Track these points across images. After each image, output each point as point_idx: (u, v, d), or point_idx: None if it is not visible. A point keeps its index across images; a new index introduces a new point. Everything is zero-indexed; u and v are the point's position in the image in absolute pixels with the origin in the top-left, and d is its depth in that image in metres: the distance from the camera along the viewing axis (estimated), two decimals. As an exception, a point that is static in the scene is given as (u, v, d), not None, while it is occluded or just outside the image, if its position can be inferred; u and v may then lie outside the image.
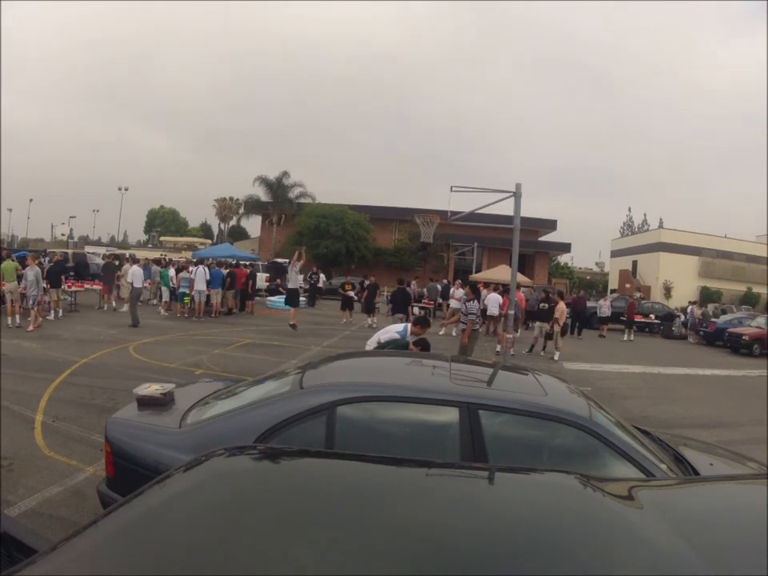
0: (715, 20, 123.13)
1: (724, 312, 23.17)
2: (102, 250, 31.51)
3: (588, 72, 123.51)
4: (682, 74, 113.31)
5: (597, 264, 62.95)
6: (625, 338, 17.56)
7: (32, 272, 10.42)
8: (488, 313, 15.43)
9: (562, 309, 12.60)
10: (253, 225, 48.21)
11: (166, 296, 14.78)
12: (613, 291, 27.89)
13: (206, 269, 14.29)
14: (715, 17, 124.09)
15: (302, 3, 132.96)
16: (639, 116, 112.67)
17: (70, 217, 60.01)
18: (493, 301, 15.24)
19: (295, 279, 12.67)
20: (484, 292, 17.42)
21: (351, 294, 16.17)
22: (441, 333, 13.99)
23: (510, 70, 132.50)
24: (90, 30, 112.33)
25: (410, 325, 5.78)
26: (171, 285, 14.60)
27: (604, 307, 18.67)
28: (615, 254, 48.18)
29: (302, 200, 33.51)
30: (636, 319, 21.13)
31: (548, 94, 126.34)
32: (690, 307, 22.76)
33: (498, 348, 12.24)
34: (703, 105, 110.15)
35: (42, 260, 12.81)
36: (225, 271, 15.33)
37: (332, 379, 2.86)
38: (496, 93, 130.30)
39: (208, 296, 14.17)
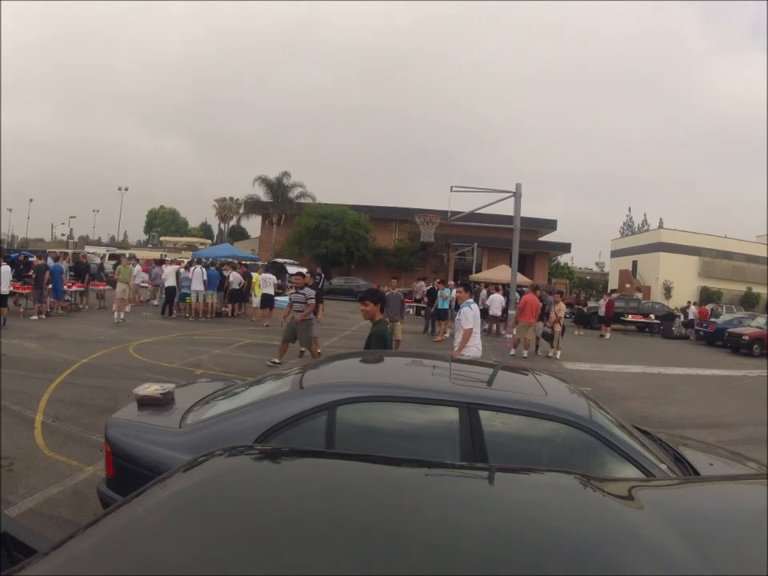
0: (716, 23, 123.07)
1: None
2: (102, 250, 31.51)
3: (589, 73, 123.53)
4: (682, 75, 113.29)
5: (597, 264, 63.07)
6: (607, 336, 17.63)
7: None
8: (490, 313, 15.41)
9: (562, 308, 12.62)
10: (253, 225, 48.26)
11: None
12: (613, 291, 27.86)
13: (203, 269, 14.29)
14: (716, 21, 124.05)
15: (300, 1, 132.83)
16: (640, 116, 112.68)
17: (70, 217, 60.39)
18: (496, 301, 15.22)
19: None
20: (483, 292, 17.46)
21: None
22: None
23: (513, 71, 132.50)
24: (89, 30, 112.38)
25: None
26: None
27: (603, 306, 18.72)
28: (615, 253, 48.19)
29: (302, 200, 33.50)
30: (633, 319, 21.21)
31: (549, 94, 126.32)
32: (690, 307, 22.83)
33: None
34: (704, 105, 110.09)
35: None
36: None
37: (332, 379, 2.85)
38: (497, 93, 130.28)
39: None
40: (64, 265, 13.56)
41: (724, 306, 30.41)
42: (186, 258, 26.22)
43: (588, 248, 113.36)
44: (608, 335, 17.74)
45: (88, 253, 23.82)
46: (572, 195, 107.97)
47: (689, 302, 24.84)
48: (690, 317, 21.59)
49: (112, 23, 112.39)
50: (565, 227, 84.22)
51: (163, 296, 14.96)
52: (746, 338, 16.34)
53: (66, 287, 13.22)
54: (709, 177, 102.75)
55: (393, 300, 10.44)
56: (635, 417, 6.35)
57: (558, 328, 12.34)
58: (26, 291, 12.57)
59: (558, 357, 12.16)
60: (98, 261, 21.36)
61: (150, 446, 2.51)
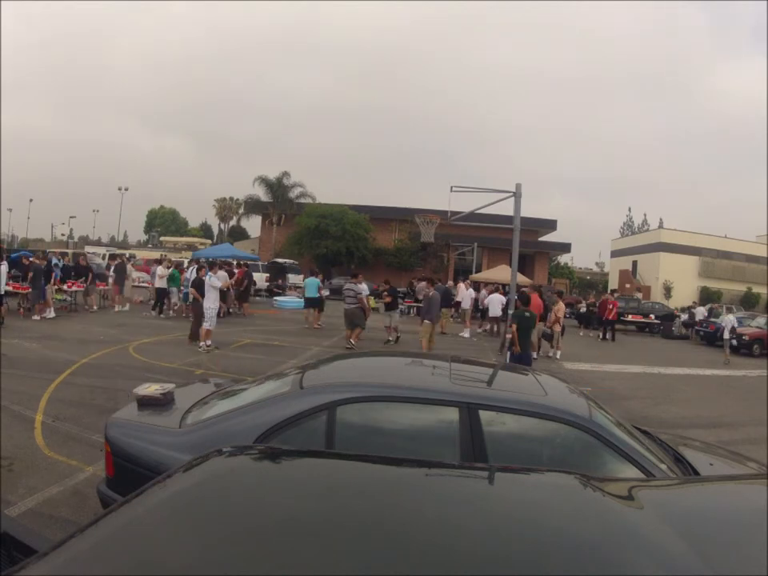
0: (717, 23, 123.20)
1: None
2: (102, 250, 31.51)
3: (589, 73, 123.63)
4: (681, 76, 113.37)
5: (597, 264, 63.07)
6: (608, 336, 17.53)
7: None
8: (490, 314, 15.39)
9: (561, 308, 12.62)
10: (253, 225, 48.25)
11: (174, 297, 14.78)
12: (613, 291, 27.84)
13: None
14: (717, 21, 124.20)
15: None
16: (640, 116, 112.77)
17: (70, 217, 60.46)
18: (495, 302, 15.20)
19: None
20: (483, 291, 17.45)
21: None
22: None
23: (513, 71, 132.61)
24: (89, 30, 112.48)
25: None
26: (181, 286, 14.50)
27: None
28: (615, 253, 48.17)
29: (302, 200, 33.50)
30: (633, 319, 21.09)
31: (550, 95, 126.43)
32: (697, 307, 22.58)
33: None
34: (704, 105, 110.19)
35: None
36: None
37: (332, 379, 2.86)
38: (497, 93, 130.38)
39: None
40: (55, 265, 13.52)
41: (724, 306, 30.37)
42: (186, 258, 26.19)
43: (588, 248, 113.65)
44: (601, 336, 17.70)
45: (88, 253, 23.82)
46: (572, 195, 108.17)
47: (694, 302, 24.70)
48: (699, 317, 20.57)
49: (112, 23, 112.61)
50: (565, 227, 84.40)
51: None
52: (745, 338, 16.33)
53: (66, 287, 13.25)
54: (709, 177, 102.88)
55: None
56: (635, 417, 6.35)
57: (557, 328, 12.33)
58: (26, 291, 12.56)
59: (557, 357, 12.16)
60: (100, 261, 21.29)
61: (150, 445, 2.51)
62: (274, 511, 1.09)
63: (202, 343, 9.50)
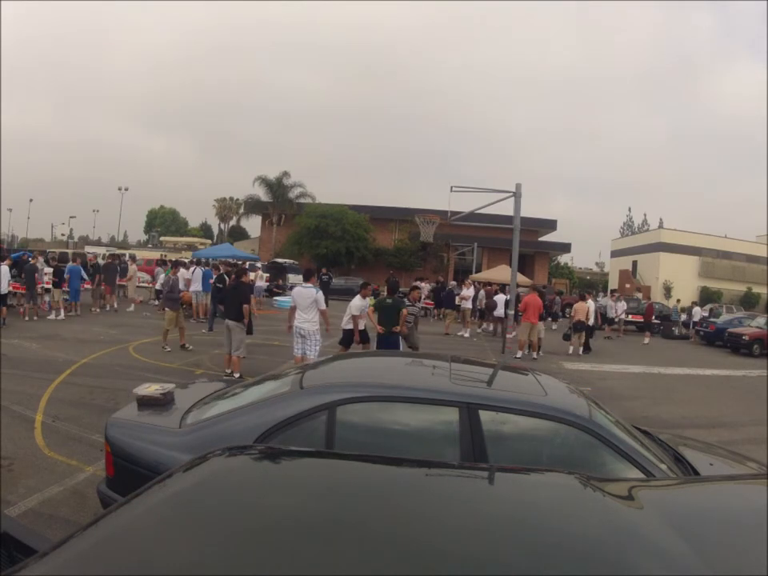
0: (717, 24, 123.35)
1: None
2: (102, 250, 31.51)
3: (589, 73, 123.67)
4: (683, 77, 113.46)
5: (597, 264, 63.06)
6: (646, 341, 17.18)
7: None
8: (495, 314, 15.35)
9: (581, 309, 12.67)
10: (253, 225, 48.16)
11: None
12: (613, 291, 27.80)
13: (202, 270, 14.25)
14: (717, 22, 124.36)
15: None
16: (640, 117, 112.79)
17: (70, 217, 60.37)
18: (500, 302, 15.17)
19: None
20: (483, 292, 17.43)
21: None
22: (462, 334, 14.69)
23: (514, 71, 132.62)
24: (89, 30, 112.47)
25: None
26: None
27: (617, 308, 18.41)
28: (615, 253, 48.17)
29: (302, 200, 33.54)
30: (633, 319, 21.02)
31: (550, 95, 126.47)
32: (695, 308, 22.56)
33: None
34: (704, 106, 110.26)
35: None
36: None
37: (332, 379, 2.86)
38: (498, 93, 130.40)
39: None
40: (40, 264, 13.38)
41: (724, 306, 30.32)
42: (186, 257, 26.17)
43: (588, 248, 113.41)
44: (647, 340, 17.38)
45: (88, 253, 23.80)
46: (572, 195, 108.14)
47: (693, 303, 24.65)
48: (696, 318, 20.47)
49: (113, 23, 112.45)
50: (565, 227, 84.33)
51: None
52: (746, 338, 16.31)
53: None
54: (708, 177, 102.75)
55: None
56: (635, 417, 6.34)
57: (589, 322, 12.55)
58: (25, 291, 12.56)
59: (580, 353, 12.38)
60: (100, 261, 21.24)
61: (150, 445, 2.51)
62: (274, 511, 1.09)
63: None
